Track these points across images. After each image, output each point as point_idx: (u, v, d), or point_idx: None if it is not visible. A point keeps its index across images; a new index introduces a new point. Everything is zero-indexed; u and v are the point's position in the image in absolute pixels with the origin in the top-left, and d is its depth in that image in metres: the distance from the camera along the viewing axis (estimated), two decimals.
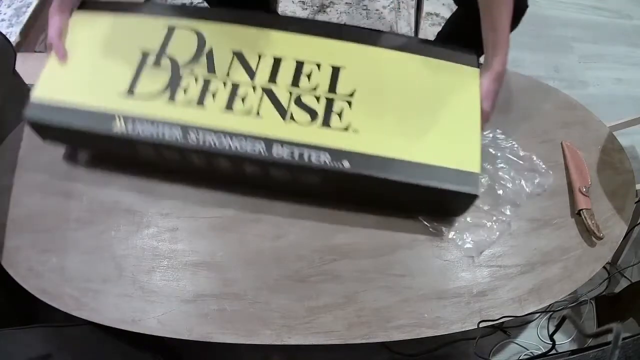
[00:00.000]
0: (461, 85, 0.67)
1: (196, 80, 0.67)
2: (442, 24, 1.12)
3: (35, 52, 1.24)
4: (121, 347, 0.68)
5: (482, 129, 0.65)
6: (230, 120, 0.64)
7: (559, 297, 0.65)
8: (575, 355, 0.64)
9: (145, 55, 0.69)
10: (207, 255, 0.67)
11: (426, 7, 1.39)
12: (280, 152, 0.61)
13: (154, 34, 0.71)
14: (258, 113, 0.64)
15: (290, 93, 0.66)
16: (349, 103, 0.65)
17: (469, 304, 0.64)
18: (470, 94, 0.66)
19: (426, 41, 0.72)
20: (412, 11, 1.43)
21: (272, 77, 0.67)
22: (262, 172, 0.66)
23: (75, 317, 0.63)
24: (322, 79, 0.67)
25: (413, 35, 1.29)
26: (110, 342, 0.67)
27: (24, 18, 1.24)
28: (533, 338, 0.99)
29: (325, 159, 0.61)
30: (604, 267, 0.75)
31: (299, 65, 0.68)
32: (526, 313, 0.64)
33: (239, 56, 0.69)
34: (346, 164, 0.60)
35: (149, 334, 0.62)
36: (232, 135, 0.62)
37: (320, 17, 1.42)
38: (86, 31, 0.72)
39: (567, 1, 1.51)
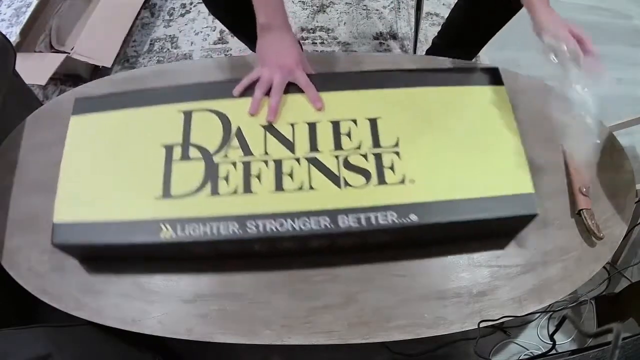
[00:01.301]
0: (493, 108, 0.67)
1: (235, 166, 0.63)
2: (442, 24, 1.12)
3: (35, 52, 1.24)
4: (121, 347, 0.68)
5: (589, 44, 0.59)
6: (285, 201, 0.61)
7: (559, 297, 0.65)
8: (575, 355, 0.64)
9: (169, 150, 0.64)
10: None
11: (426, 7, 1.39)
12: (346, 222, 0.59)
13: (171, 124, 0.66)
14: (311, 187, 0.62)
15: (336, 157, 0.63)
16: (397, 153, 0.64)
17: (469, 304, 0.64)
18: (503, 114, 0.67)
19: (448, 70, 0.72)
20: (412, 11, 1.43)
21: (313, 145, 0.64)
22: (329, 244, 0.63)
23: (75, 317, 0.64)
24: (362, 134, 0.65)
25: (413, 35, 1.29)
26: (110, 342, 0.67)
27: (24, 18, 1.24)
28: (533, 338, 0.99)
29: (392, 217, 0.59)
30: (604, 267, 0.75)
31: (335, 125, 0.66)
32: (526, 313, 0.64)
33: (271, 130, 0.66)
34: (414, 217, 0.59)
35: (149, 334, 0.62)
36: (293, 216, 0.60)
37: (320, 17, 1.43)
38: (93, 136, 0.67)
39: (567, 1, 1.51)
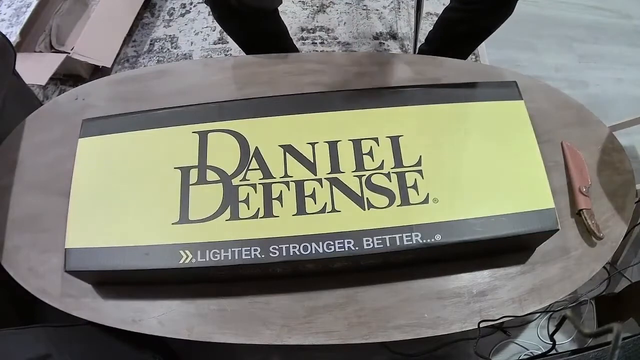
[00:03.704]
0: (512, 123, 0.67)
1: (255, 188, 0.62)
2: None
3: (35, 52, 1.24)
4: (121, 347, 0.68)
5: None
6: (308, 224, 0.60)
7: (559, 297, 0.65)
8: (575, 355, 0.64)
9: (185, 173, 0.63)
10: None
11: (426, 7, 1.39)
12: (370, 244, 0.59)
13: (185, 146, 0.65)
14: (334, 209, 0.61)
15: (359, 178, 0.63)
16: (420, 172, 0.63)
17: (469, 304, 0.64)
18: (522, 129, 0.67)
19: (467, 85, 0.71)
20: (412, 11, 1.43)
21: (334, 166, 0.63)
22: (353, 265, 0.63)
23: (75, 317, 0.64)
24: (384, 153, 0.64)
25: (413, 35, 1.29)
26: (110, 342, 0.67)
27: (24, 18, 1.24)
28: (533, 338, 0.99)
29: (416, 238, 0.59)
30: (604, 267, 0.75)
31: (356, 144, 0.65)
32: (526, 313, 0.64)
33: (290, 150, 0.64)
34: (438, 237, 0.59)
35: (149, 334, 0.62)
36: (317, 239, 0.59)
37: (320, 17, 1.42)
38: (103, 159, 0.65)
39: (567, 1, 1.51)
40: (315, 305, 0.64)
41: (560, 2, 1.51)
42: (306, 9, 1.44)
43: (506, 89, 0.70)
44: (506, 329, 0.97)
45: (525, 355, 0.97)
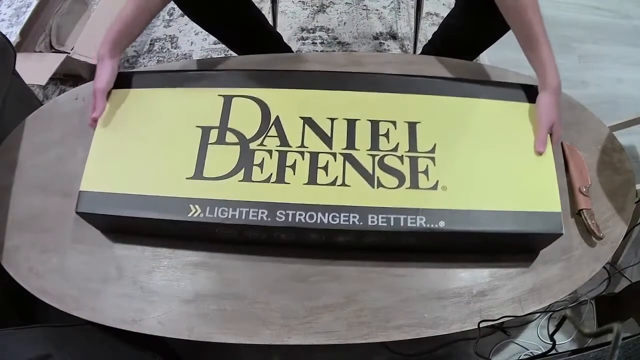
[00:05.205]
0: (529, 125, 0.67)
1: (270, 154, 0.64)
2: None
3: (35, 52, 1.24)
4: (121, 347, 0.68)
5: (554, 143, 0.66)
6: (317, 194, 0.61)
7: (559, 297, 0.65)
8: (575, 355, 0.64)
9: (205, 132, 0.65)
10: (207, 255, 0.67)
11: (426, 7, 1.39)
12: (374, 221, 0.60)
13: (210, 107, 0.67)
14: (344, 183, 0.62)
15: (372, 157, 0.64)
16: (432, 159, 0.64)
17: (469, 304, 0.64)
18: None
19: (490, 83, 0.72)
20: (412, 11, 1.43)
21: (350, 142, 0.65)
22: (356, 240, 0.64)
23: (75, 317, 0.64)
24: (400, 137, 0.66)
25: (413, 35, 1.29)
26: (110, 342, 0.67)
27: (24, 18, 1.24)
28: (533, 338, 0.99)
29: (420, 221, 0.60)
30: (604, 267, 0.75)
31: (374, 125, 0.66)
32: (526, 313, 0.64)
33: (310, 122, 0.66)
34: (442, 224, 0.60)
35: (149, 334, 0.63)
36: (323, 209, 0.60)
37: (320, 17, 1.43)
38: (131, 110, 0.68)
39: (567, 1, 1.51)
40: (315, 305, 0.64)
41: (560, 2, 1.51)
42: (306, 9, 1.44)
43: (527, 92, 0.70)
44: (506, 329, 0.97)
45: (525, 355, 0.97)
